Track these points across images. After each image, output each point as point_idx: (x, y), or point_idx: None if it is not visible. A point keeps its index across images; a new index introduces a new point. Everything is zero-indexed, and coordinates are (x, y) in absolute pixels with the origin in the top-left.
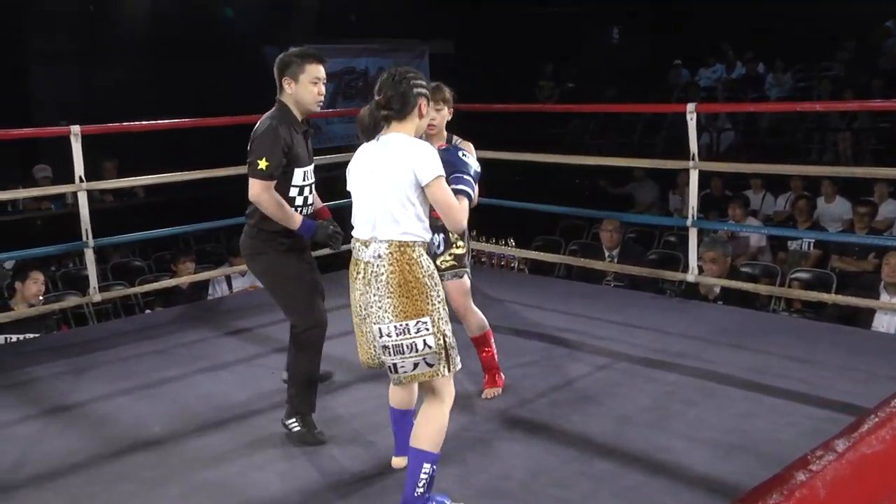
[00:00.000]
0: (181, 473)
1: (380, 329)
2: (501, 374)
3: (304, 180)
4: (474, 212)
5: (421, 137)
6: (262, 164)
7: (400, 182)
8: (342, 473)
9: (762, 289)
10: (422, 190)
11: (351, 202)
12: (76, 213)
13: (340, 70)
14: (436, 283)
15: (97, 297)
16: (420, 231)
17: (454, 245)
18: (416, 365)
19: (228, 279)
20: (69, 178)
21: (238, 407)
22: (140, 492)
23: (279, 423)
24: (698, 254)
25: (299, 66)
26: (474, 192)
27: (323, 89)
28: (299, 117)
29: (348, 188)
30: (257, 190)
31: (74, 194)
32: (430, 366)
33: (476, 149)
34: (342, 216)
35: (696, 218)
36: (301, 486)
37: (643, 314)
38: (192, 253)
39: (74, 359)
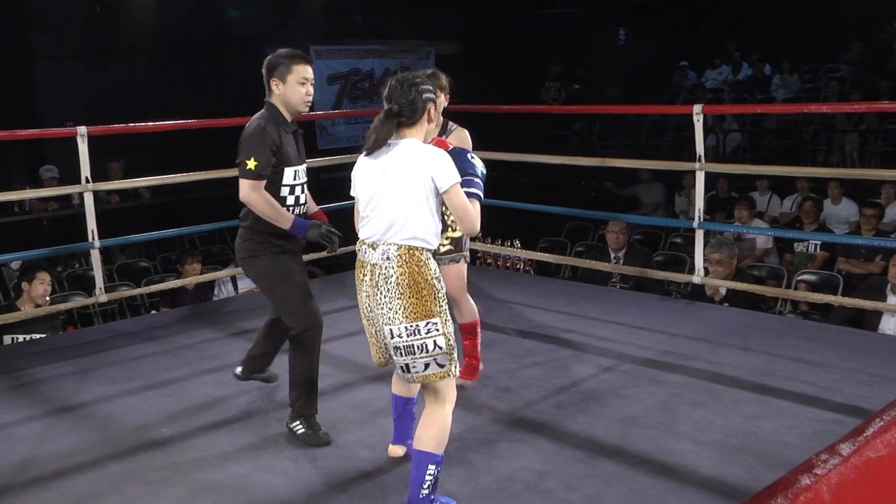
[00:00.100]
0: (187, 474)
1: (391, 330)
2: (480, 367)
3: (294, 179)
4: (480, 214)
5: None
6: (251, 163)
7: (417, 187)
8: (346, 474)
9: (768, 290)
10: (438, 196)
11: (351, 203)
12: (82, 213)
13: (346, 71)
14: (442, 287)
15: (103, 298)
16: (431, 236)
17: (450, 228)
18: (427, 365)
19: (234, 280)
20: (75, 179)
21: (244, 408)
22: (146, 492)
23: (284, 423)
24: (704, 255)
25: (287, 67)
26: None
27: (311, 90)
28: (288, 118)
29: (352, 192)
30: (247, 190)
31: (80, 195)
32: (441, 366)
33: (482, 150)
34: (345, 218)
35: (702, 219)
36: (306, 487)
37: (649, 316)
38: (198, 254)
39: (80, 359)
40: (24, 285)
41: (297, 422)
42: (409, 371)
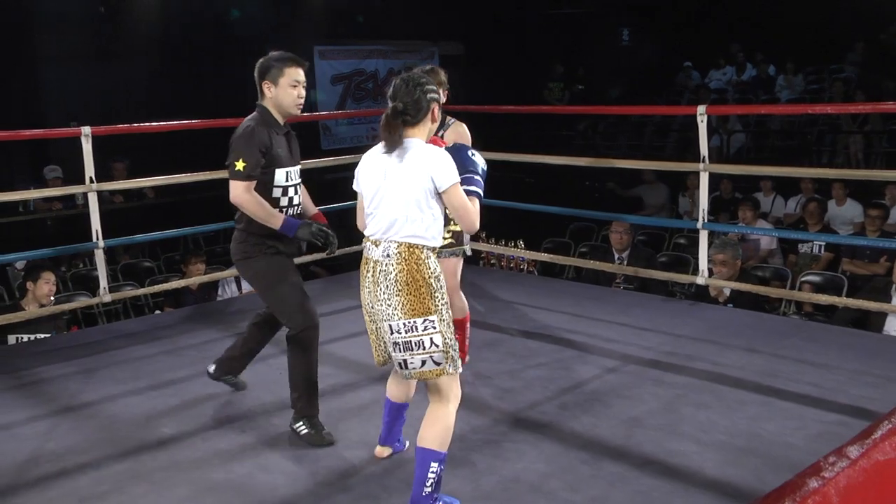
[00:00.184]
0: (190, 474)
1: (390, 326)
2: (465, 360)
3: (287, 181)
4: (483, 213)
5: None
6: (240, 164)
7: (417, 187)
8: (349, 474)
9: (772, 291)
10: (438, 195)
11: (354, 204)
12: (86, 213)
13: (350, 72)
14: (441, 286)
15: (107, 298)
16: (431, 235)
17: (451, 221)
18: (423, 362)
19: (238, 280)
20: (79, 179)
21: (247, 408)
22: (149, 492)
23: (288, 423)
24: (708, 256)
25: (279, 70)
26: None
27: (303, 92)
28: (280, 120)
29: (356, 188)
30: (237, 191)
31: (84, 195)
32: (438, 364)
33: (485, 150)
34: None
35: (706, 220)
36: (308, 487)
37: (653, 316)
38: (202, 254)
39: (84, 359)
40: (30, 285)
41: (300, 422)
42: (406, 367)
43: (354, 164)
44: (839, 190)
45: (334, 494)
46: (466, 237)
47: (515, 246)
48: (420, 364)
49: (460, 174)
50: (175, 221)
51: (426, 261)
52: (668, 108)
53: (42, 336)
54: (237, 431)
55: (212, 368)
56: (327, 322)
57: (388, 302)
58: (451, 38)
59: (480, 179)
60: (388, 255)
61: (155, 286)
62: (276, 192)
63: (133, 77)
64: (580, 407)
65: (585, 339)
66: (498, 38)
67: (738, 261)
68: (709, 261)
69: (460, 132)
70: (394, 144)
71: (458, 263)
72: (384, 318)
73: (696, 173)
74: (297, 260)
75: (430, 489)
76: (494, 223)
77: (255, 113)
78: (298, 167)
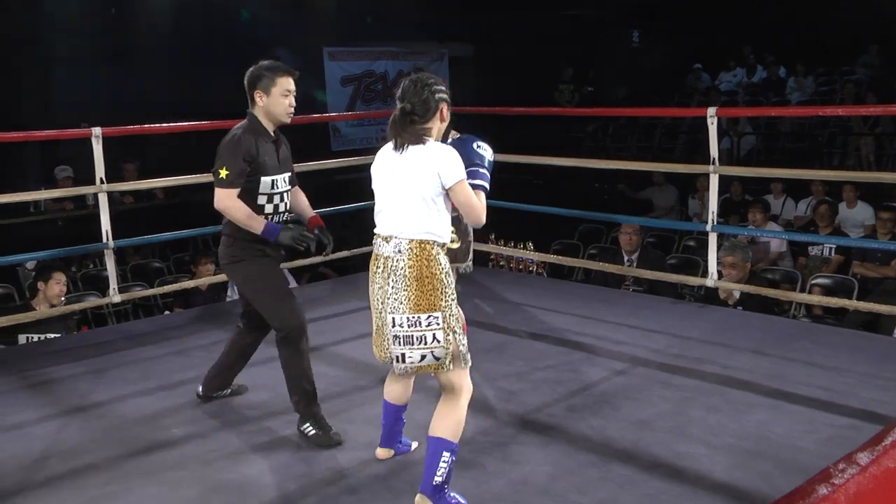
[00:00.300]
0: (199, 474)
1: (392, 319)
2: None
3: (273, 188)
4: (493, 215)
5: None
6: (223, 172)
7: (424, 184)
8: (357, 475)
9: (782, 294)
10: (445, 192)
11: (363, 205)
12: (96, 214)
13: (360, 73)
14: (451, 282)
15: (117, 298)
16: (440, 231)
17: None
18: (423, 357)
19: None
20: (90, 180)
21: (256, 408)
22: (158, 492)
23: (295, 425)
24: (718, 258)
25: (270, 80)
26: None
27: (293, 101)
28: (269, 128)
29: (373, 186)
30: (219, 197)
31: (95, 195)
32: (437, 359)
33: (495, 152)
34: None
35: (715, 222)
36: (316, 488)
37: (662, 319)
38: (211, 254)
39: (94, 359)
40: (41, 285)
41: (307, 424)
42: (403, 361)
43: (364, 166)
44: (850, 192)
45: (340, 495)
46: (469, 255)
47: (524, 248)
48: (419, 359)
49: (466, 167)
50: (185, 222)
51: (437, 257)
52: (678, 110)
53: (52, 336)
54: (245, 432)
55: (200, 389)
56: (336, 323)
57: (395, 296)
58: (461, 39)
59: (486, 172)
60: (399, 251)
61: (164, 287)
62: (261, 199)
63: (143, 78)
64: (589, 409)
65: (594, 341)
66: (507, 39)
67: (748, 263)
68: (718, 263)
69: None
70: (402, 143)
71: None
72: (389, 311)
73: (706, 175)
74: (307, 261)
75: (440, 479)
76: (503, 225)
77: (244, 121)
78: (288, 174)
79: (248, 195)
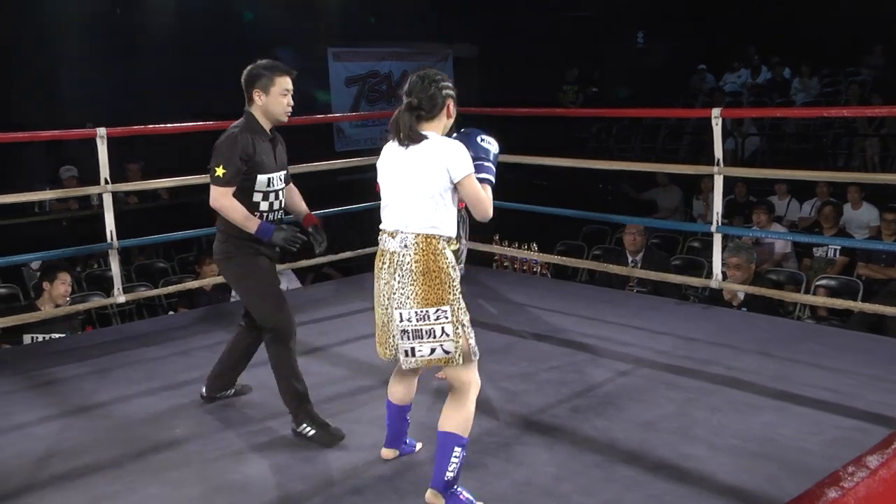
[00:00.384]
0: (202, 474)
1: (400, 314)
2: None
3: (268, 186)
4: (496, 215)
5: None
6: (219, 171)
7: (432, 178)
8: (361, 476)
9: (787, 296)
10: (453, 186)
11: (367, 206)
12: (101, 214)
13: (364, 73)
14: (456, 276)
15: (121, 299)
16: (447, 226)
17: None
18: (432, 350)
19: None
20: (95, 180)
21: (260, 409)
22: (161, 492)
23: (292, 427)
24: (722, 260)
25: (269, 79)
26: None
27: (291, 101)
28: (266, 127)
29: (378, 180)
30: (215, 196)
31: (99, 196)
32: (447, 352)
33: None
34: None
35: (720, 224)
36: (320, 488)
37: (666, 320)
38: None
39: (98, 359)
40: (46, 285)
41: (304, 425)
42: (413, 355)
43: (368, 167)
44: (855, 193)
45: (346, 496)
46: (463, 256)
47: (528, 248)
48: (429, 352)
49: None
50: (189, 222)
51: (443, 251)
52: (682, 110)
53: (57, 336)
54: (249, 432)
55: (203, 390)
56: (340, 323)
57: (401, 291)
58: (466, 40)
59: (492, 165)
60: (405, 246)
61: (169, 287)
62: (257, 197)
63: (148, 79)
64: (593, 410)
65: (598, 342)
66: (512, 40)
67: (753, 264)
68: (723, 264)
69: None
70: (407, 138)
71: None
72: (396, 306)
73: (711, 176)
74: (311, 262)
75: (452, 474)
76: (507, 226)
77: (241, 119)
78: (283, 172)
79: (244, 193)
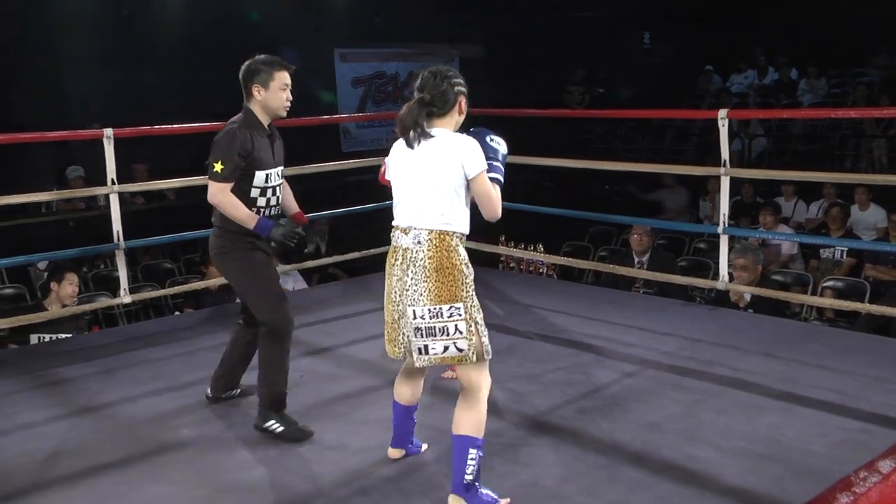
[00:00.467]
0: (208, 475)
1: (413, 311)
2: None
3: (266, 182)
4: (502, 216)
5: None
6: (218, 167)
7: (447, 175)
8: (367, 477)
9: (794, 297)
10: (466, 182)
11: (373, 206)
12: (108, 214)
13: (371, 74)
14: (470, 273)
15: (127, 299)
16: (461, 222)
17: None
18: (446, 348)
19: None
20: (101, 181)
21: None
22: (167, 492)
23: (308, 425)
24: (729, 261)
25: (269, 74)
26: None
27: (290, 96)
28: (265, 122)
29: (387, 176)
30: (213, 191)
31: (106, 196)
32: (460, 350)
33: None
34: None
35: (726, 225)
36: (326, 490)
37: (672, 321)
38: None
39: (105, 359)
40: (53, 285)
41: (272, 421)
42: (426, 353)
43: (375, 167)
44: (862, 195)
45: (352, 497)
46: None
47: (535, 249)
48: (442, 350)
49: None
50: (195, 223)
51: (456, 248)
52: (688, 111)
53: (63, 336)
54: (254, 433)
55: (209, 391)
56: (346, 324)
57: (414, 287)
58: (472, 41)
59: (501, 165)
60: (419, 243)
61: (175, 287)
62: (255, 193)
63: (155, 80)
64: (599, 411)
65: (604, 343)
66: (519, 41)
67: (759, 266)
68: (729, 265)
69: None
70: (405, 132)
71: None
72: (409, 303)
73: (717, 177)
74: (317, 262)
75: (471, 476)
76: (513, 226)
77: (240, 115)
78: (280, 168)
79: (242, 189)
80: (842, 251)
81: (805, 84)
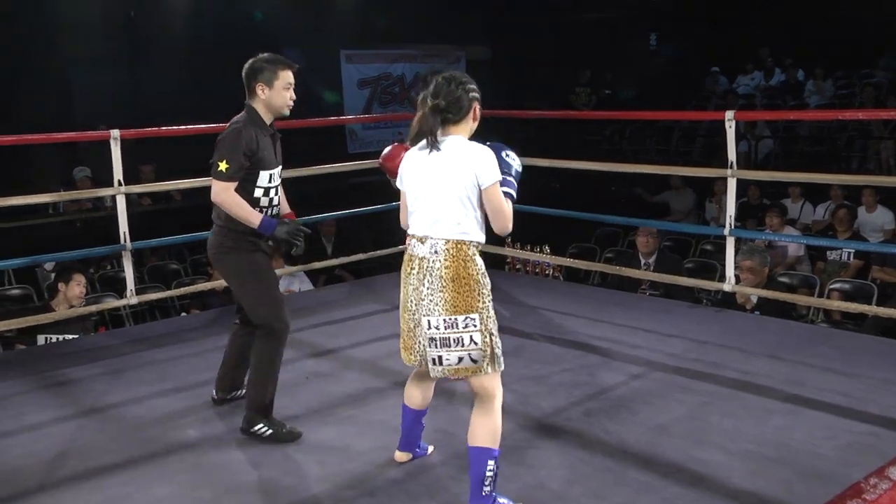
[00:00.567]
0: (214, 476)
1: (428, 321)
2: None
3: (269, 182)
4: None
5: None
6: (223, 166)
7: (462, 183)
8: (373, 479)
9: (800, 299)
10: (480, 192)
11: (379, 208)
12: (114, 215)
13: (377, 76)
14: (487, 283)
15: (134, 300)
16: (477, 231)
17: None
18: (460, 359)
19: None
20: (108, 182)
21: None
22: (173, 493)
23: (313, 427)
24: (735, 263)
25: (273, 73)
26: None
27: (293, 94)
28: (268, 121)
29: (400, 186)
30: (217, 190)
31: (113, 197)
32: (475, 362)
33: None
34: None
35: (733, 227)
36: (332, 492)
37: (679, 323)
38: None
39: (111, 360)
40: (61, 286)
41: (260, 424)
42: (441, 364)
43: (380, 169)
44: (869, 196)
45: (358, 498)
46: None
47: (541, 251)
48: (457, 361)
49: None
50: (202, 224)
51: (473, 257)
52: (695, 113)
53: (70, 337)
54: (262, 434)
55: (215, 392)
56: (352, 326)
57: (430, 297)
58: (479, 42)
59: (514, 181)
60: (435, 252)
61: (181, 288)
62: (258, 193)
63: (161, 81)
64: (605, 413)
65: (611, 345)
66: (525, 42)
67: (766, 268)
68: (736, 267)
69: None
70: (420, 138)
71: None
72: (424, 313)
73: (724, 179)
74: (323, 264)
75: (489, 488)
76: (519, 228)
77: (243, 113)
78: (280, 168)
79: (245, 188)
80: (849, 253)
81: (812, 85)
